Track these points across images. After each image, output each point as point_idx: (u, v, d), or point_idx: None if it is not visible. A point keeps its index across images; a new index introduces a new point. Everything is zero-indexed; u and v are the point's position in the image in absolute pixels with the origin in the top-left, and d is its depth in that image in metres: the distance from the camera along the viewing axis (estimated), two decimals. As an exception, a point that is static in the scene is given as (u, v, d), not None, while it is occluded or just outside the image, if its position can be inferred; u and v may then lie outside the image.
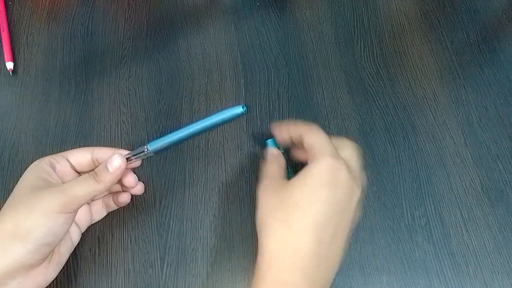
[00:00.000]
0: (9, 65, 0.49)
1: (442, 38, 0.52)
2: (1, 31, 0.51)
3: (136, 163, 0.38)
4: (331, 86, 0.49)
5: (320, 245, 0.33)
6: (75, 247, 0.39)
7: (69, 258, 0.38)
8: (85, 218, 0.39)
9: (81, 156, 0.37)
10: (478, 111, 0.48)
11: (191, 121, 0.35)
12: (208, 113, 0.37)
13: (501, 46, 0.52)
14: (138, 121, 0.47)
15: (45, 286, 0.35)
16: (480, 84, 0.49)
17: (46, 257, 0.34)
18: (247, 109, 0.34)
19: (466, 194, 0.44)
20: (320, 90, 0.49)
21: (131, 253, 0.41)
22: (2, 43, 0.50)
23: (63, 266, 0.37)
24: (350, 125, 0.47)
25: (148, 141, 0.36)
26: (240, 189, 0.44)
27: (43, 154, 0.37)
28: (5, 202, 0.34)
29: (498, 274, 0.41)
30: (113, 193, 0.40)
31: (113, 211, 0.41)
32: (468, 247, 0.42)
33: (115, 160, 0.34)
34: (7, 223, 0.32)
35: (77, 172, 0.38)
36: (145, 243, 0.42)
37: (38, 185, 0.34)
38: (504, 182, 0.45)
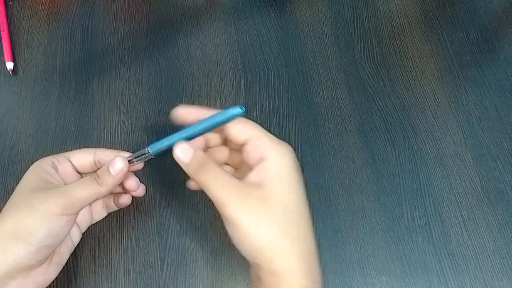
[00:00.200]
0: (9, 65, 0.49)
1: (442, 38, 0.52)
2: (1, 31, 0.50)
3: (138, 165, 0.38)
4: (331, 86, 0.49)
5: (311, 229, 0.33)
6: (75, 247, 0.39)
7: (69, 258, 0.38)
8: (85, 218, 0.39)
9: (83, 158, 0.37)
10: (478, 111, 0.48)
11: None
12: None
13: (501, 46, 0.52)
14: (138, 121, 0.47)
15: (46, 286, 0.35)
16: (480, 84, 0.49)
17: (46, 258, 0.34)
18: (246, 109, 0.34)
19: (466, 194, 0.44)
20: (320, 90, 0.49)
21: (131, 253, 0.41)
22: (2, 43, 0.50)
23: (63, 266, 0.37)
24: (350, 125, 0.47)
25: (149, 144, 0.36)
26: (240, 189, 0.44)
27: (43, 154, 0.37)
28: (5, 202, 0.34)
29: (498, 274, 0.41)
30: (114, 194, 0.40)
31: (113, 211, 0.41)
32: (468, 247, 0.42)
33: (117, 163, 0.34)
34: (7, 223, 0.32)
35: (78, 173, 0.38)
36: (145, 243, 0.42)
37: (39, 186, 0.34)
38: (504, 182, 0.45)
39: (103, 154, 0.37)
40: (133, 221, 0.43)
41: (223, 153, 0.38)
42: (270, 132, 0.34)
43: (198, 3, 0.54)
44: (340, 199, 0.44)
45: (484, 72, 0.50)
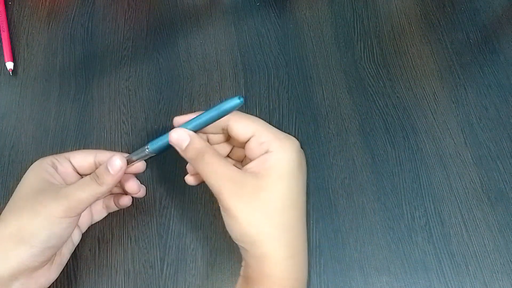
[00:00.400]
0: (9, 65, 0.49)
1: (442, 38, 0.52)
2: (1, 31, 0.50)
3: (140, 168, 0.38)
4: (331, 86, 0.49)
5: (305, 228, 0.34)
6: (75, 248, 0.39)
7: (69, 258, 0.38)
8: (85, 218, 0.39)
9: (83, 159, 0.37)
10: (478, 111, 0.48)
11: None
12: (191, 113, 0.36)
13: (501, 46, 0.52)
14: (138, 121, 0.47)
15: (47, 286, 0.35)
16: (480, 84, 0.49)
17: (49, 259, 0.34)
18: (244, 100, 0.33)
19: (466, 194, 0.44)
20: (320, 90, 0.49)
21: (131, 254, 0.41)
22: (2, 43, 0.50)
23: (64, 267, 0.37)
24: (350, 125, 0.47)
25: (148, 141, 0.35)
26: (240, 189, 0.44)
27: (43, 154, 0.37)
28: (5, 202, 0.34)
29: (498, 274, 0.41)
30: (114, 195, 0.40)
31: (114, 211, 0.41)
32: (468, 247, 0.42)
33: (115, 161, 0.34)
34: (10, 226, 0.32)
35: (78, 173, 0.38)
36: (145, 244, 0.42)
37: (41, 188, 0.34)
38: (504, 182, 0.45)
39: (103, 156, 0.37)
40: (133, 221, 0.43)
41: (224, 149, 0.38)
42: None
43: (198, 3, 0.54)
44: (340, 199, 0.44)
45: (484, 72, 0.50)
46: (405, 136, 0.47)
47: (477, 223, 0.43)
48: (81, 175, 0.38)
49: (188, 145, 0.33)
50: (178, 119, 0.35)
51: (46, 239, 0.32)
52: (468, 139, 0.47)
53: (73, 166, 0.37)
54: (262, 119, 0.34)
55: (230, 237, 0.34)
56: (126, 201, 0.39)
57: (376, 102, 0.48)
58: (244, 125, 0.34)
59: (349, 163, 0.45)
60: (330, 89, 0.49)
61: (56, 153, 0.38)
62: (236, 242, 0.33)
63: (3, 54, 0.49)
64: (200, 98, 0.48)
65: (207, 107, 0.48)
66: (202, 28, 0.52)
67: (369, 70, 0.50)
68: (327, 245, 0.42)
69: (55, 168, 0.36)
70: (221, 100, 0.48)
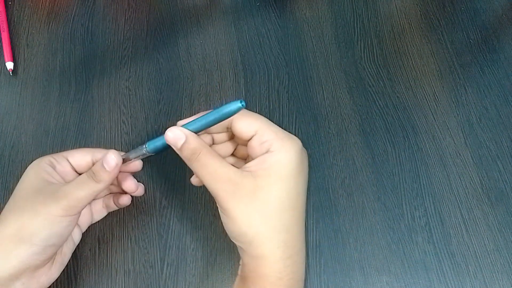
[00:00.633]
0: (9, 65, 0.49)
1: (442, 38, 0.52)
2: (1, 31, 0.50)
3: (137, 166, 0.38)
4: (331, 86, 0.49)
5: (303, 228, 0.34)
6: (76, 247, 0.39)
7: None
8: (85, 218, 0.39)
9: (81, 158, 0.37)
10: (478, 111, 0.48)
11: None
12: (194, 115, 0.36)
13: (501, 46, 0.52)
14: (138, 121, 0.47)
15: (48, 285, 0.35)
16: (480, 84, 0.49)
17: (51, 258, 0.35)
18: (245, 104, 0.33)
19: (466, 194, 0.44)
20: (320, 90, 0.49)
21: (131, 253, 0.41)
22: (2, 43, 0.50)
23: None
24: (350, 125, 0.47)
25: (147, 140, 0.35)
26: (240, 189, 0.44)
27: (43, 154, 0.37)
28: (5, 202, 0.34)
29: (498, 274, 0.41)
30: (114, 194, 0.40)
31: (113, 211, 0.41)
32: (468, 247, 0.42)
33: (110, 158, 0.34)
34: (11, 226, 0.32)
35: (77, 172, 0.38)
36: (145, 243, 0.42)
37: (40, 187, 0.34)
38: (504, 182, 0.45)
39: (100, 155, 0.37)
40: (133, 221, 0.43)
41: (227, 148, 0.38)
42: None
43: (198, 3, 0.54)
44: (340, 199, 0.44)
45: (484, 72, 0.50)
46: (405, 136, 0.47)
47: (477, 223, 0.43)
48: (79, 174, 0.38)
49: (183, 144, 0.33)
50: (181, 123, 0.35)
51: (46, 238, 0.33)
52: (468, 139, 0.47)
53: (71, 165, 0.37)
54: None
55: (233, 240, 0.34)
56: (125, 200, 0.39)
57: (376, 102, 0.48)
58: (247, 123, 0.34)
59: (349, 163, 0.45)
60: (330, 89, 0.49)
61: (56, 153, 0.38)
62: (234, 242, 0.34)
63: (3, 54, 0.49)
64: (200, 98, 0.48)
65: (207, 107, 0.48)
66: (202, 28, 0.52)
67: (369, 70, 0.50)
68: (327, 245, 0.42)
69: (54, 168, 0.36)
70: (222, 102, 0.48)
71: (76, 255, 0.41)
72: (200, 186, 0.42)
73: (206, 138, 0.37)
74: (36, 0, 0.53)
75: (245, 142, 0.35)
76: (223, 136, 0.38)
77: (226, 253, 0.41)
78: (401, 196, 0.44)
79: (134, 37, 0.52)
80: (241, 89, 0.49)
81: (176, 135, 0.33)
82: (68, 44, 0.51)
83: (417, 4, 0.54)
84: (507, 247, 0.42)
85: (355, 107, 0.48)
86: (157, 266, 0.41)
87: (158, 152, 0.35)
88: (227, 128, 0.36)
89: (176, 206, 0.43)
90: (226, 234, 0.34)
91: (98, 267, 0.41)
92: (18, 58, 0.50)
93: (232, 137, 0.38)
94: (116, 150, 0.35)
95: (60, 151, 0.38)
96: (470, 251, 0.42)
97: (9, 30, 0.51)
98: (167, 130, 0.33)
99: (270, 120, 0.35)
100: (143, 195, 0.41)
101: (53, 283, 0.36)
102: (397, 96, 0.49)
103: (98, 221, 0.41)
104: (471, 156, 0.46)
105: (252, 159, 0.34)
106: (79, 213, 0.35)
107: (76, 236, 0.38)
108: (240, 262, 0.34)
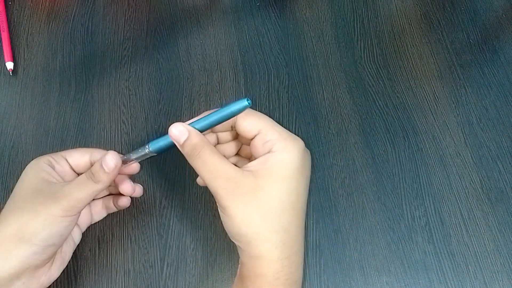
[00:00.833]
0: (9, 65, 0.49)
1: (442, 38, 0.52)
2: (1, 31, 0.50)
3: (134, 169, 0.38)
4: (331, 86, 0.49)
5: (302, 229, 0.34)
6: (75, 247, 0.39)
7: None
8: (85, 218, 0.39)
9: (79, 158, 0.37)
10: (478, 111, 0.48)
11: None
12: (201, 114, 0.36)
13: (501, 46, 0.52)
14: (138, 121, 0.47)
15: (48, 285, 0.35)
16: (480, 84, 0.49)
17: (51, 257, 0.35)
18: (251, 102, 0.33)
19: (466, 194, 0.44)
20: (320, 90, 0.49)
21: (131, 253, 0.41)
22: (2, 43, 0.50)
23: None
24: (350, 125, 0.47)
25: (149, 141, 0.35)
26: (240, 189, 0.44)
27: (43, 154, 0.37)
28: (5, 202, 0.34)
29: (498, 274, 0.41)
30: (113, 196, 0.40)
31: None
32: (468, 247, 0.42)
33: (109, 159, 0.34)
34: (11, 227, 0.32)
35: (75, 172, 0.38)
36: (145, 243, 0.42)
37: (40, 187, 0.34)
38: (504, 182, 0.45)
39: (99, 155, 0.37)
40: (133, 221, 0.43)
41: (232, 147, 0.38)
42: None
43: (198, 3, 0.54)
44: (340, 199, 0.44)
45: (484, 72, 0.50)
46: (405, 136, 0.47)
47: (477, 223, 0.43)
48: (78, 174, 0.38)
49: (185, 140, 0.33)
50: (188, 123, 0.35)
51: (46, 238, 0.33)
52: (468, 139, 0.47)
53: (69, 164, 0.37)
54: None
55: (231, 239, 0.34)
56: (124, 202, 0.39)
57: (376, 102, 0.48)
58: (250, 122, 0.34)
59: (349, 163, 0.45)
60: (330, 89, 0.49)
61: (55, 152, 0.38)
62: (233, 240, 0.34)
63: (3, 54, 0.49)
64: (200, 98, 0.48)
65: (207, 107, 0.48)
66: (202, 28, 0.52)
67: (369, 70, 0.50)
68: (327, 245, 0.42)
69: (52, 167, 0.36)
70: (222, 102, 0.48)
71: (76, 255, 0.41)
72: (200, 186, 0.42)
73: (211, 137, 0.37)
74: (36, 0, 0.53)
75: (249, 142, 0.35)
76: (227, 135, 0.38)
77: (226, 253, 0.41)
78: (401, 196, 0.44)
79: (134, 37, 0.52)
80: (241, 89, 0.49)
81: (180, 131, 0.33)
82: (68, 44, 0.51)
83: (417, 4, 0.54)
84: (507, 247, 0.42)
85: (355, 107, 0.48)
86: (157, 266, 0.41)
87: (160, 152, 0.35)
88: (231, 127, 0.36)
89: (176, 206, 0.43)
90: (226, 234, 0.34)
91: (98, 267, 0.41)
92: (18, 58, 0.50)
93: (236, 137, 0.38)
94: (116, 150, 0.35)
95: (60, 151, 0.38)
96: (470, 251, 0.42)
97: (9, 30, 0.51)
98: (171, 126, 0.33)
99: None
100: (143, 195, 0.41)
101: (53, 283, 0.36)
102: (397, 96, 0.49)
103: (98, 221, 0.41)
104: (471, 156, 0.46)
105: (255, 158, 0.34)
106: (79, 213, 0.35)
107: (76, 236, 0.38)
108: (240, 261, 0.34)
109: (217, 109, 0.34)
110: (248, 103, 0.32)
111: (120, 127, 0.47)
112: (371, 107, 0.48)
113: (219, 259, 0.41)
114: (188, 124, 0.34)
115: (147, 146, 0.35)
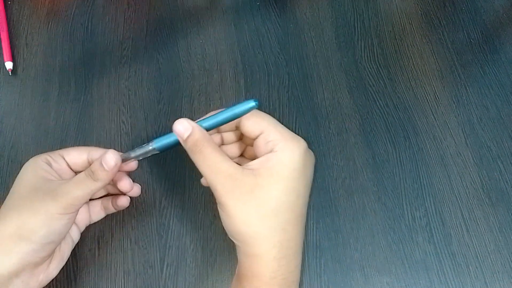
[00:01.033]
0: (9, 65, 0.49)
1: (443, 38, 0.52)
2: (1, 31, 0.50)
3: (132, 166, 0.38)
4: (331, 86, 0.49)
5: (302, 229, 0.34)
6: (75, 247, 0.39)
7: (69, 258, 0.38)
8: (83, 218, 0.39)
9: (77, 156, 0.37)
10: (479, 111, 0.48)
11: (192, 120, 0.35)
12: (208, 113, 0.36)
13: (502, 46, 0.51)
14: (138, 121, 0.47)
15: (46, 283, 0.35)
16: (481, 84, 0.49)
17: (50, 255, 0.35)
18: (258, 103, 0.33)
19: (467, 194, 0.44)
20: (320, 90, 0.49)
21: (131, 254, 0.41)
22: (1, 43, 0.50)
23: (63, 266, 0.37)
24: (351, 125, 0.47)
25: (154, 138, 0.35)
26: (240, 189, 0.43)
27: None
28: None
29: (498, 274, 0.41)
30: (112, 196, 0.40)
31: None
32: (468, 247, 0.42)
33: (109, 157, 0.34)
34: (10, 225, 0.32)
35: (73, 170, 0.38)
36: (145, 244, 0.42)
37: (38, 185, 0.34)
38: (505, 182, 0.45)
39: (97, 154, 0.37)
40: (133, 221, 0.43)
41: (236, 148, 0.38)
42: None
43: (198, 3, 0.54)
44: (340, 199, 0.44)
45: (485, 72, 0.50)
46: (406, 136, 0.47)
47: (478, 223, 0.43)
48: (75, 172, 0.38)
49: (189, 136, 0.33)
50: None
51: (46, 235, 0.33)
52: (469, 139, 0.46)
53: (67, 163, 0.37)
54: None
55: (230, 237, 0.34)
56: (123, 202, 0.39)
57: (377, 102, 0.48)
58: (254, 122, 0.34)
59: (350, 163, 0.45)
60: (330, 89, 0.49)
61: (53, 151, 0.38)
62: (231, 239, 0.34)
63: (2, 54, 0.49)
64: (200, 98, 0.48)
65: (207, 107, 0.48)
66: (202, 28, 0.52)
67: (370, 70, 0.50)
68: (327, 245, 0.42)
69: (50, 166, 0.36)
70: (222, 102, 0.48)
71: (75, 255, 0.41)
72: (200, 187, 0.42)
73: (216, 137, 0.37)
74: (36, 0, 0.53)
75: (253, 143, 0.35)
76: (231, 135, 0.38)
77: (226, 254, 0.41)
78: (401, 196, 0.44)
79: (134, 37, 0.51)
80: (241, 89, 0.49)
81: (184, 127, 0.33)
82: (68, 44, 0.51)
83: (417, 4, 0.54)
84: (507, 247, 0.42)
85: (356, 107, 0.48)
86: (157, 266, 0.41)
87: (164, 150, 0.35)
88: (236, 127, 0.36)
89: (176, 206, 0.43)
90: (226, 235, 0.34)
91: (98, 267, 0.41)
92: (18, 58, 0.50)
93: (241, 138, 0.38)
94: (115, 149, 0.35)
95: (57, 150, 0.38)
96: (470, 251, 0.42)
97: (8, 29, 0.51)
98: (176, 121, 0.33)
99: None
100: (142, 195, 0.41)
101: (53, 283, 0.36)
102: (398, 96, 0.49)
103: (98, 222, 0.41)
104: (471, 156, 0.46)
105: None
106: (77, 210, 0.35)
107: (75, 235, 0.38)
108: (238, 261, 0.34)
109: (224, 108, 0.34)
110: (255, 104, 0.32)
111: (120, 127, 0.47)
112: (371, 107, 0.48)
113: (219, 259, 0.41)
114: (196, 121, 0.34)
115: (151, 143, 0.35)
